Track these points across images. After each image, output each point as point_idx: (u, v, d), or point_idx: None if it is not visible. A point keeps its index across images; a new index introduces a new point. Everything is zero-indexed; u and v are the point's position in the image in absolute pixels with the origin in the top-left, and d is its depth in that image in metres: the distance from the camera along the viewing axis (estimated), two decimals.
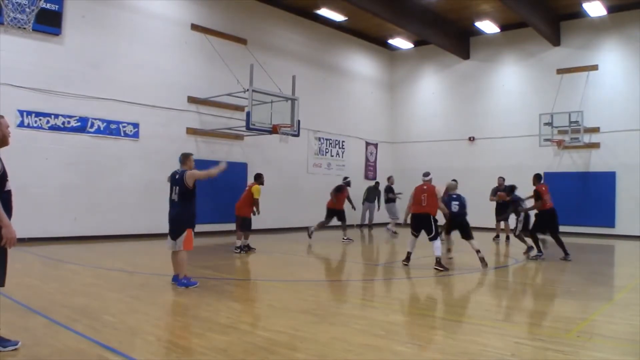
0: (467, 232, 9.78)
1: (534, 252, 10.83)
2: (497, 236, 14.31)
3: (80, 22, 12.42)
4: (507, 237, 13.93)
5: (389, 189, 17.20)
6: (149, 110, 13.72)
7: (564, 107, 17.05)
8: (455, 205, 9.97)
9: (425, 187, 9.34)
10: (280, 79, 14.93)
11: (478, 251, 9.43)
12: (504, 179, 14.29)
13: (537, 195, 10.69)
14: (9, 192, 4.11)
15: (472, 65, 20.07)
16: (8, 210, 4.02)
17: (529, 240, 10.88)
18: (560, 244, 10.60)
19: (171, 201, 7.09)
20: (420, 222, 9.28)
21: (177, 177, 7.07)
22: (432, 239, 9.12)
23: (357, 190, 17.76)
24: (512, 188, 12.40)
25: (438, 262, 8.99)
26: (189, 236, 6.91)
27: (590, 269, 9.74)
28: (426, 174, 9.68)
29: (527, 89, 18.81)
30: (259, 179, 11.28)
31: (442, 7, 17.17)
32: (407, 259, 9.45)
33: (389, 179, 17.56)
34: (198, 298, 6.23)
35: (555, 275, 8.99)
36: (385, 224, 17.61)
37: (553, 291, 7.51)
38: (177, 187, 7.01)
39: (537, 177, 11.10)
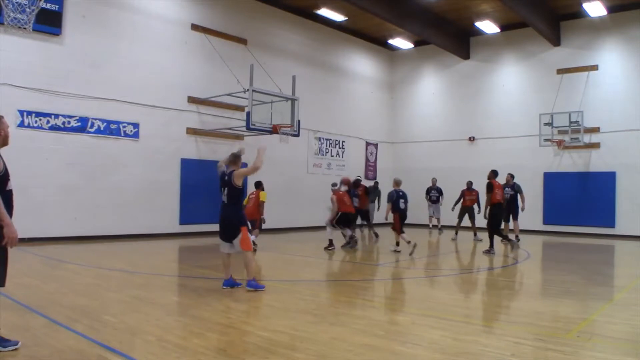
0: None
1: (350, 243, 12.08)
2: (516, 237, 13.67)
3: (80, 22, 12.42)
4: (508, 237, 13.79)
5: (435, 190, 17.17)
6: (149, 110, 13.72)
7: (564, 107, 17.06)
8: (402, 203, 11.50)
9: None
10: (280, 79, 14.93)
11: (409, 242, 11.02)
12: (512, 176, 13.96)
13: (490, 188, 11.36)
14: (10, 191, 4.12)
15: (472, 65, 20.07)
16: (9, 210, 4.03)
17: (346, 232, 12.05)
18: (492, 237, 11.30)
19: (222, 202, 6.91)
20: (349, 219, 11.93)
21: (226, 178, 6.85)
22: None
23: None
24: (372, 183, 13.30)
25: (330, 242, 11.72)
26: (245, 235, 6.76)
27: (590, 269, 9.74)
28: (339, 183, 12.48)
29: (527, 89, 18.82)
30: (260, 185, 11.56)
31: (442, 7, 17.17)
32: (331, 245, 11.76)
33: (433, 180, 17.40)
34: (198, 298, 6.23)
35: (556, 275, 8.99)
36: (386, 224, 17.51)
37: (553, 291, 7.51)
38: (227, 189, 6.79)
39: (494, 172, 11.79)
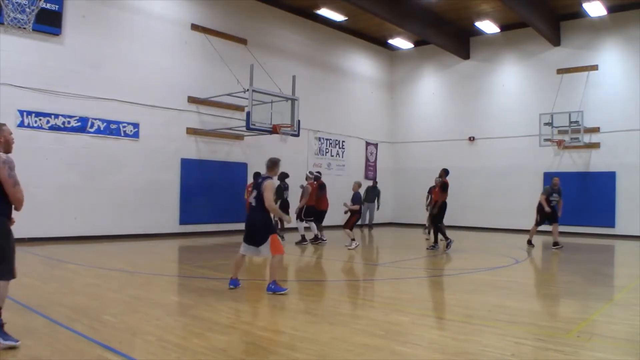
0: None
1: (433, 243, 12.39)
2: (556, 243, 12.93)
3: (80, 22, 12.42)
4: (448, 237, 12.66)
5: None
6: (149, 110, 13.72)
7: (564, 107, 17.06)
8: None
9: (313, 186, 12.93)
10: (280, 79, 14.93)
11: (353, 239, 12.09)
12: (558, 179, 13.09)
13: (445, 187, 11.79)
14: None
15: (472, 65, 20.07)
16: (10, 209, 4.18)
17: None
18: (443, 232, 11.96)
19: (249, 205, 6.81)
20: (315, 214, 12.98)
21: (259, 180, 6.78)
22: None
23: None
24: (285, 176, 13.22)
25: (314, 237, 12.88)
26: (276, 240, 6.66)
27: (590, 269, 9.73)
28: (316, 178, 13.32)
29: (527, 89, 18.81)
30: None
31: (442, 7, 17.16)
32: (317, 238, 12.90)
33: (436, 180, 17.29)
34: (198, 298, 6.23)
35: (556, 275, 8.99)
36: (389, 224, 17.57)
37: (553, 291, 7.51)
38: (257, 192, 6.68)
39: (445, 171, 12.16)
